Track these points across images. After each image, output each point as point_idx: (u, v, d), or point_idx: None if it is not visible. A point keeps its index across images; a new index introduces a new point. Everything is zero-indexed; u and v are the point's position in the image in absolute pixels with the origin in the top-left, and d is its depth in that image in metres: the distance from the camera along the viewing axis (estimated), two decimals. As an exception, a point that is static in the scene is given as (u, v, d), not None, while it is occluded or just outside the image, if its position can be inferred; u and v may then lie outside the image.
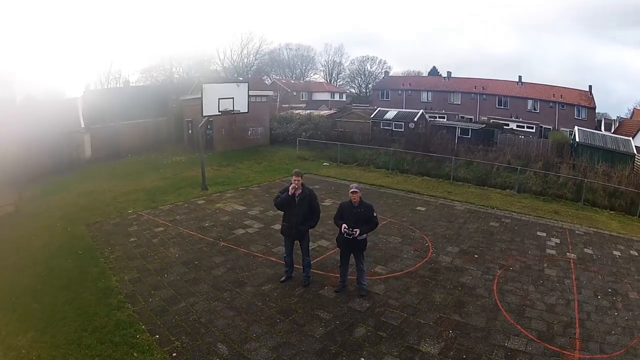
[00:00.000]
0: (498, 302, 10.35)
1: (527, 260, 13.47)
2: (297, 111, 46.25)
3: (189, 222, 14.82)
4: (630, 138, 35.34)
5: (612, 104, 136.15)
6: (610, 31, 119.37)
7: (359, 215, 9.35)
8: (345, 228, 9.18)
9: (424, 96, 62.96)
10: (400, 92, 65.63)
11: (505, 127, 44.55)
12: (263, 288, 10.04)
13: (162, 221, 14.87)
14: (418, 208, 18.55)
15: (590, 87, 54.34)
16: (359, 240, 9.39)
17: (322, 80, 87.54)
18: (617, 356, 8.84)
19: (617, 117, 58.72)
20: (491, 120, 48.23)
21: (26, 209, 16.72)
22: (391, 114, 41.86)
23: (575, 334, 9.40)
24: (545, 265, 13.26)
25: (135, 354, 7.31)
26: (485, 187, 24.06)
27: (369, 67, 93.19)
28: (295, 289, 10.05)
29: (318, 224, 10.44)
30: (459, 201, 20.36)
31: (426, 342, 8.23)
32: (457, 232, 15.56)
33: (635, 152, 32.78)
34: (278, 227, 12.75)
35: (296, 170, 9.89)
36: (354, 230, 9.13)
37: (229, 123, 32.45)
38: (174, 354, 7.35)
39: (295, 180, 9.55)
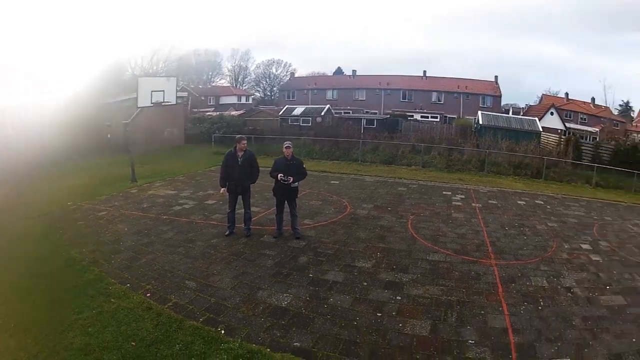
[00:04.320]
0: (414, 234, 12.35)
1: (435, 209, 15.58)
2: (208, 113, 47.49)
3: (129, 206, 15.44)
4: (536, 118, 39.65)
5: (523, 94, 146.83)
6: (523, 27, 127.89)
7: (292, 166, 11.16)
8: (281, 176, 10.89)
9: (329, 94, 65.04)
10: (306, 91, 67.51)
11: (409, 117, 47.32)
12: (212, 241, 11.39)
13: (103, 207, 15.33)
14: (332, 182, 20.35)
15: (496, 77, 60.02)
16: (292, 188, 11.21)
17: (228, 84, 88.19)
18: (533, 263, 11.08)
19: (526, 104, 64.48)
20: (395, 113, 50.97)
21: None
22: (299, 110, 43.86)
23: (488, 250, 11.57)
24: (452, 211, 15.38)
25: (113, 300, 8.02)
26: (393, 165, 26.15)
27: (274, 71, 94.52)
28: (239, 239, 11.52)
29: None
30: (369, 175, 22.36)
31: (359, 261, 10.12)
32: (370, 195, 17.51)
33: (540, 129, 36.97)
34: (211, 202, 14.63)
35: (239, 135, 11.78)
36: (289, 177, 10.91)
37: (145, 125, 32.79)
38: (148, 294, 8.25)
39: (243, 143, 11.38)
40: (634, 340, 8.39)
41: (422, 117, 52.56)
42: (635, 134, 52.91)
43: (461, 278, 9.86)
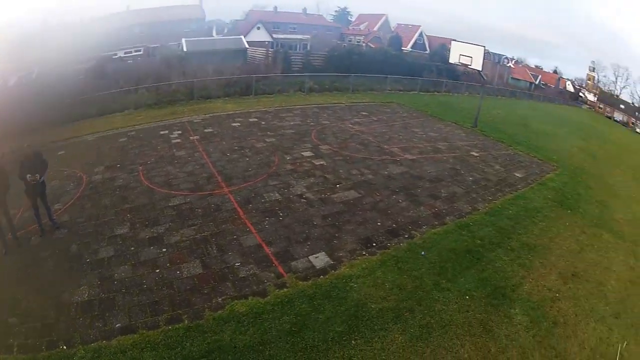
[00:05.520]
0: (149, 185, 13.90)
1: (159, 153, 16.92)
2: None
3: None
4: (242, 36, 41.70)
5: (229, 9, 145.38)
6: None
7: (35, 163, 11.32)
8: (30, 177, 11.05)
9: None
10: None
11: (114, 57, 46.95)
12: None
13: None
14: (59, 153, 18.78)
15: (201, 0, 59.75)
16: (41, 184, 11.49)
17: None
18: (261, 180, 13.45)
19: (231, 20, 65.96)
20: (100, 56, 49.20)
21: None
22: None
23: (218, 180, 13.65)
24: (174, 150, 16.92)
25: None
26: (107, 115, 25.45)
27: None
28: (15, 251, 10.90)
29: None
30: (89, 134, 21.35)
31: (117, 228, 11.29)
32: (97, 156, 17.35)
33: (247, 46, 39.71)
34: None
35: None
36: (36, 175, 11.15)
37: None
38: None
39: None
40: (379, 223, 11.36)
41: (125, 53, 51.77)
42: (352, 37, 60.17)
43: (205, 214, 11.86)
